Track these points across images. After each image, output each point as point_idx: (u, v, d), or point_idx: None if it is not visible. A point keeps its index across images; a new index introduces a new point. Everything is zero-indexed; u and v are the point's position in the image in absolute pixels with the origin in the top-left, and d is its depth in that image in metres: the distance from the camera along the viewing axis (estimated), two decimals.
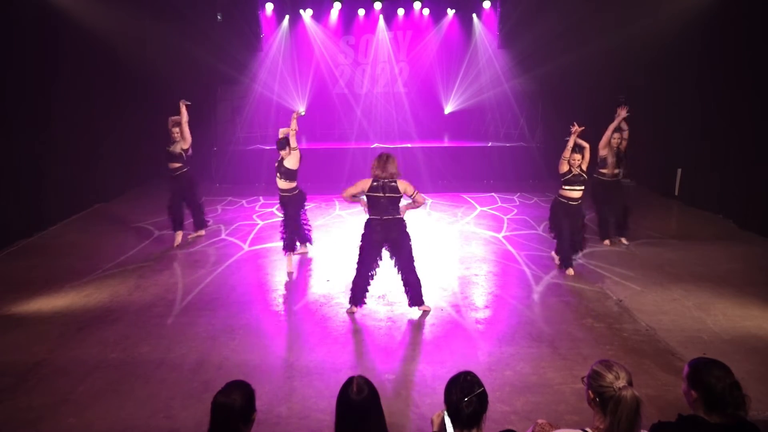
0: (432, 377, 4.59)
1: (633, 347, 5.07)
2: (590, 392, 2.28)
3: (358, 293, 5.76)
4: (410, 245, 5.68)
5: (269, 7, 13.12)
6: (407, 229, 5.67)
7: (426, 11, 13.63)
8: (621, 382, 2.20)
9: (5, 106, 8.00)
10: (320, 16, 13.53)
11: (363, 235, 5.69)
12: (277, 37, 13.38)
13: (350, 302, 5.83)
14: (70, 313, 5.85)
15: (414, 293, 5.76)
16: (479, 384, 2.33)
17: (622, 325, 5.53)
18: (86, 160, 10.09)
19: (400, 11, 13.62)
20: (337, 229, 8.94)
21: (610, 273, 6.92)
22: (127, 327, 5.55)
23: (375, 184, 5.49)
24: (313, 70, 13.74)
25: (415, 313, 5.86)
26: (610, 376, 2.22)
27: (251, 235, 8.61)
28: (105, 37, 10.10)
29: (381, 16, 13.55)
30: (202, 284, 6.67)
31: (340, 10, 13.39)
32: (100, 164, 10.59)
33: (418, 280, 5.76)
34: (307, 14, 13.41)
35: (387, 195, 5.48)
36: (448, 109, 14.13)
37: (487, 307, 6.04)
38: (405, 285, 5.77)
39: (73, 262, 7.45)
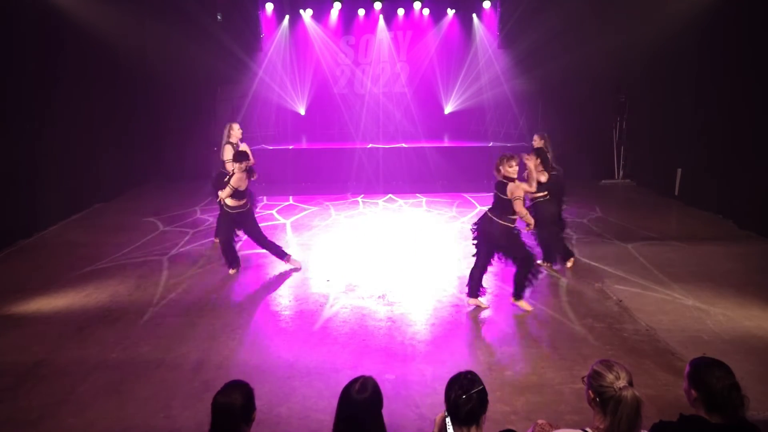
0: (432, 377, 4.58)
1: (633, 347, 5.07)
2: (591, 392, 2.28)
3: (472, 284, 5.87)
4: (500, 246, 5.66)
5: (269, 7, 13.12)
6: (505, 232, 5.58)
7: (426, 11, 13.64)
8: (621, 382, 2.20)
9: (5, 106, 8.00)
10: (320, 16, 13.53)
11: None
12: (277, 37, 13.38)
13: (467, 294, 5.94)
14: (70, 313, 5.85)
15: (470, 284, 5.86)
16: (479, 382, 2.35)
17: (622, 325, 5.53)
18: (86, 160, 10.09)
19: (400, 11, 13.62)
20: (336, 230, 8.94)
21: (610, 273, 6.91)
22: (127, 327, 5.55)
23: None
24: (313, 70, 13.75)
25: (415, 313, 5.87)
26: (610, 376, 2.22)
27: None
28: (105, 37, 10.11)
29: (381, 16, 13.55)
30: (201, 284, 6.67)
31: (340, 10, 13.39)
32: (100, 164, 10.59)
33: (478, 276, 5.80)
34: (307, 14, 13.42)
35: (495, 192, 5.66)
36: (448, 109, 14.13)
37: (487, 307, 6.03)
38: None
39: (73, 261, 7.45)
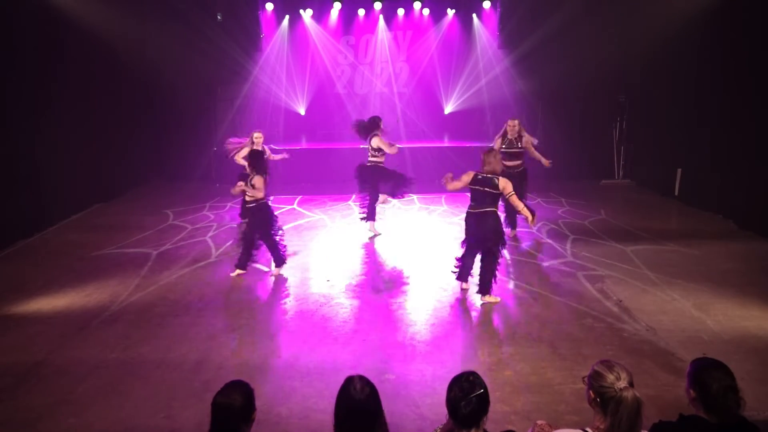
0: (432, 377, 4.58)
1: (633, 347, 5.07)
2: (591, 392, 2.28)
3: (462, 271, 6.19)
4: (495, 242, 5.87)
5: (269, 7, 13.12)
6: (498, 226, 5.88)
7: (426, 11, 13.63)
8: (622, 383, 2.20)
9: (5, 105, 8.00)
10: (320, 16, 13.53)
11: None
12: (277, 37, 13.38)
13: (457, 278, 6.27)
14: (70, 313, 5.85)
15: (480, 282, 6.02)
16: (481, 385, 2.33)
17: (622, 325, 5.53)
18: (86, 160, 10.09)
19: (400, 11, 13.62)
20: (336, 231, 8.94)
21: (610, 273, 6.91)
22: (127, 327, 5.55)
23: (479, 177, 5.81)
24: (313, 70, 13.74)
25: (415, 312, 5.88)
26: (611, 377, 2.22)
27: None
28: (106, 37, 10.11)
29: (381, 16, 13.55)
30: (202, 283, 6.67)
31: (340, 10, 13.39)
32: (100, 164, 10.59)
33: (489, 273, 5.95)
34: (307, 14, 13.41)
35: (485, 189, 5.76)
36: (448, 109, 14.12)
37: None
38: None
39: (73, 262, 7.45)
